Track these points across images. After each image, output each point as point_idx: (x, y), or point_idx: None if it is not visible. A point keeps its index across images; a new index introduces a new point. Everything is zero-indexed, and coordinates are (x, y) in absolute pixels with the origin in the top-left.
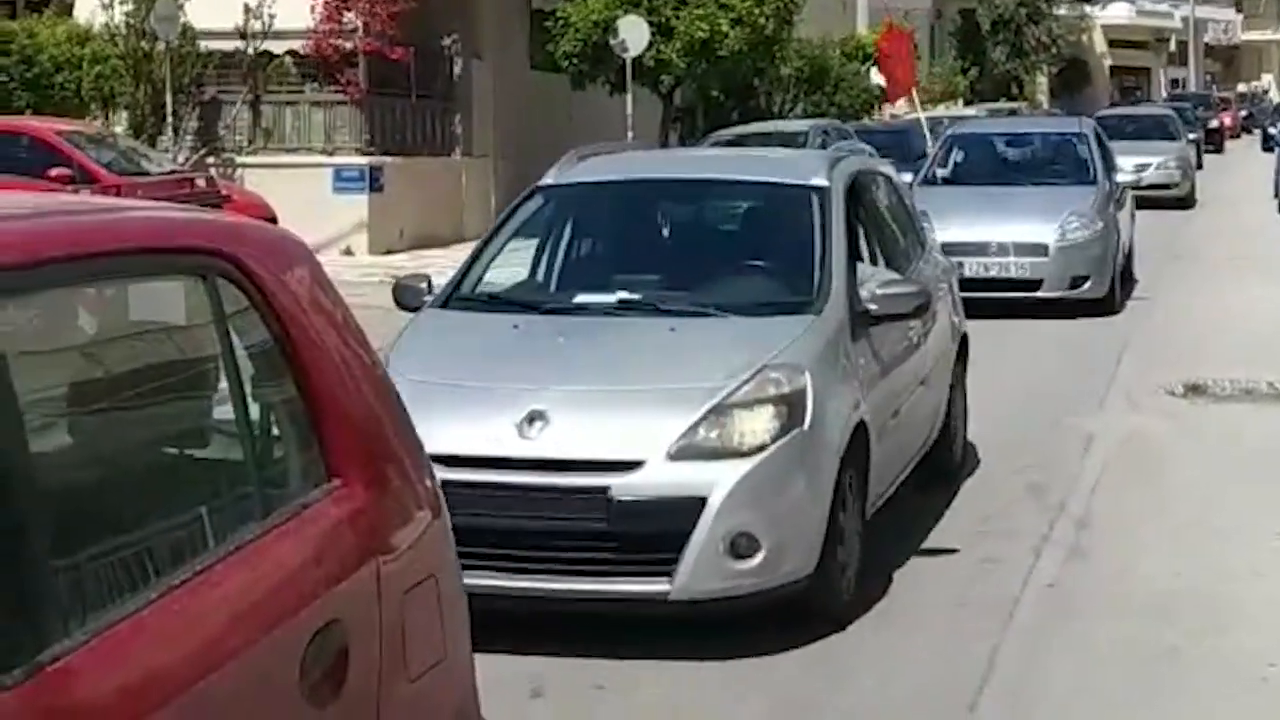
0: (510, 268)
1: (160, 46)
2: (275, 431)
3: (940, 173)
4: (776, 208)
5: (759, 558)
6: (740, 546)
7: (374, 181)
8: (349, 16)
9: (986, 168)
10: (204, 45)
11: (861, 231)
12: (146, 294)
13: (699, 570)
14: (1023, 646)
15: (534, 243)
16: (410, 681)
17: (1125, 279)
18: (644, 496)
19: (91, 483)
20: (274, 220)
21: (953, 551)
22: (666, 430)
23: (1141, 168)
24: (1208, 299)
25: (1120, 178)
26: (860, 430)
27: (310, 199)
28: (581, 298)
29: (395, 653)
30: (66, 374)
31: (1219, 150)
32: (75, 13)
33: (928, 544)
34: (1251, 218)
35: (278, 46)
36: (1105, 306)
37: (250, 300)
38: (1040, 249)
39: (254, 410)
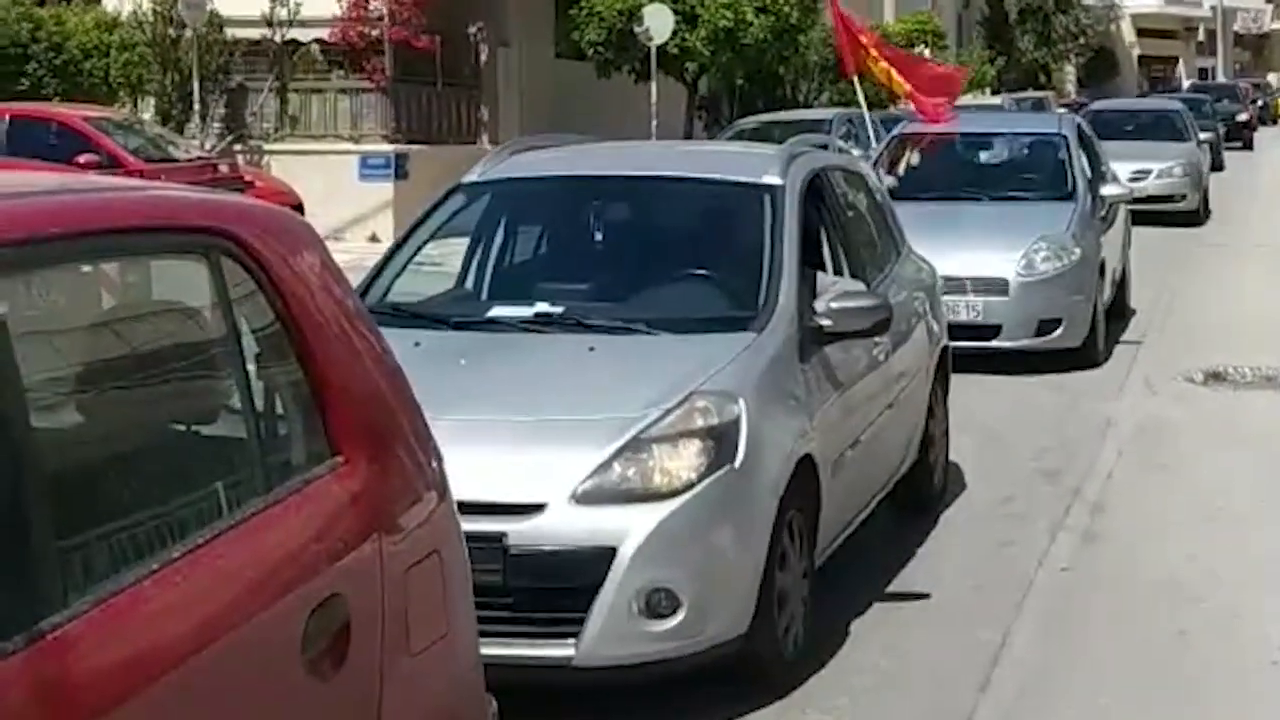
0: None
1: (188, 34)
2: (279, 409)
3: (886, 181)
4: (722, 209)
5: (679, 617)
6: (657, 605)
7: (399, 169)
8: (375, 4)
9: (942, 176)
10: (231, 33)
11: (824, 236)
12: (149, 272)
13: (608, 632)
14: (1035, 628)
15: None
16: (412, 656)
17: (1116, 316)
18: (544, 546)
19: (95, 458)
20: (300, 207)
21: (969, 536)
22: (572, 468)
23: (1139, 175)
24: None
25: (1109, 190)
26: (806, 466)
27: (336, 186)
28: (496, 310)
29: (397, 627)
30: (71, 351)
31: (1247, 147)
32: (103, 0)
33: (941, 527)
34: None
35: (304, 34)
36: (1083, 358)
37: (255, 280)
38: (997, 285)
39: (258, 388)
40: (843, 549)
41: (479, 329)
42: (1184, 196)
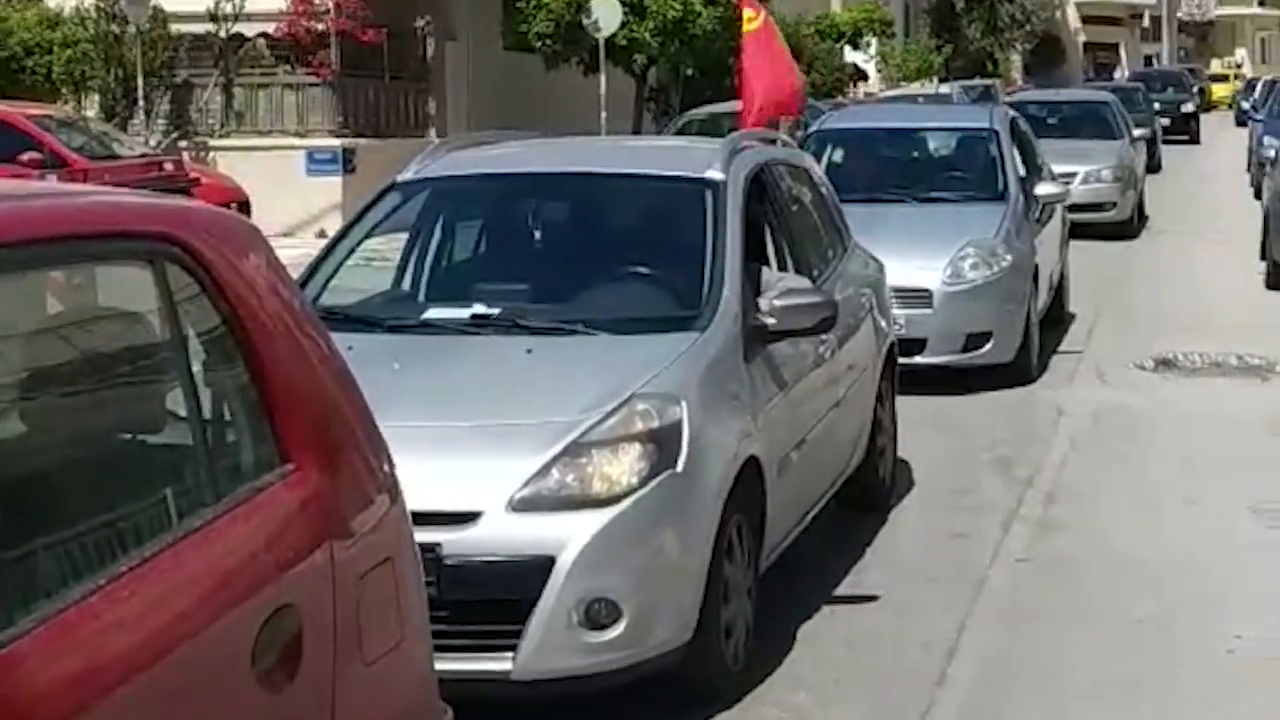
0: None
1: (131, 30)
2: (228, 416)
3: None
4: (664, 206)
5: (620, 627)
6: (597, 615)
7: (347, 163)
8: None
9: (864, 176)
10: (175, 28)
11: (768, 232)
12: (94, 278)
13: (547, 644)
14: (991, 621)
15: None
16: (366, 665)
17: (1052, 325)
18: (480, 556)
19: (40, 468)
20: (247, 203)
21: (921, 530)
22: (509, 475)
23: (1062, 180)
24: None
25: (1045, 189)
26: (751, 468)
27: (283, 181)
28: (431, 313)
29: (350, 637)
30: (15, 358)
31: (1193, 140)
32: None
33: (893, 523)
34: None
35: (249, 29)
36: (1015, 374)
37: (200, 285)
38: (921, 296)
39: (206, 395)
40: (791, 550)
41: (414, 332)
42: (1113, 205)
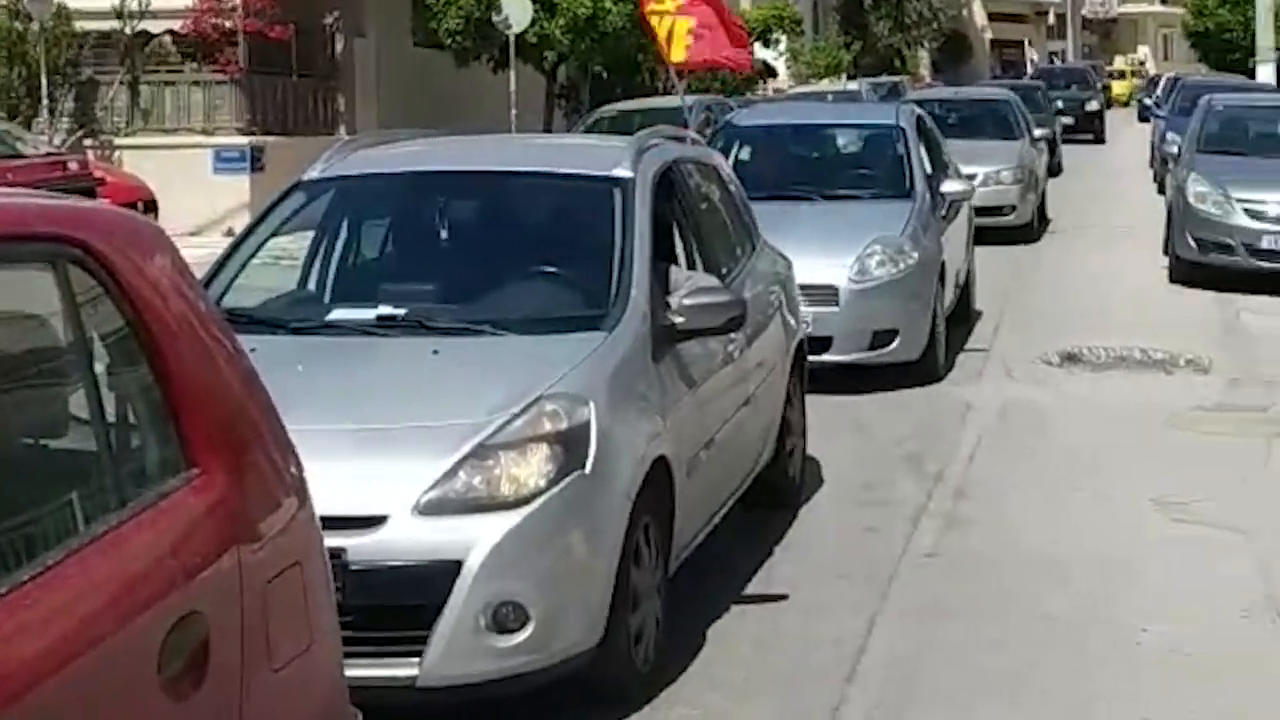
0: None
1: (34, 27)
2: (132, 420)
3: None
4: (572, 204)
5: (528, 631)
6: (504, 619)
7: (255, 162)
8: None
9: (770, 173)
10: (80, 25)
11: (677, 230)
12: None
13: (454, 649)
14: (901, 616)
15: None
16: (274, 671)
17: (959, 322)
18: (385, 561)
19: None
20: (153, 202)
21: (831, 526)
22: (415, 479)
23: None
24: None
25: (951, 186)
26: (660, 468)
27: (191, 180)
28: (336, 314)
29: (258, 642)
30: None
31: (1098, 140)
32: None
33: (803, 520)
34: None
35: (155, 26)
36: (922, 372)
37: (104, 287)
38: (827, 294)
39: (109, 399)
40: (701, 548)
41: (318, 333)
42: (1013, 208)
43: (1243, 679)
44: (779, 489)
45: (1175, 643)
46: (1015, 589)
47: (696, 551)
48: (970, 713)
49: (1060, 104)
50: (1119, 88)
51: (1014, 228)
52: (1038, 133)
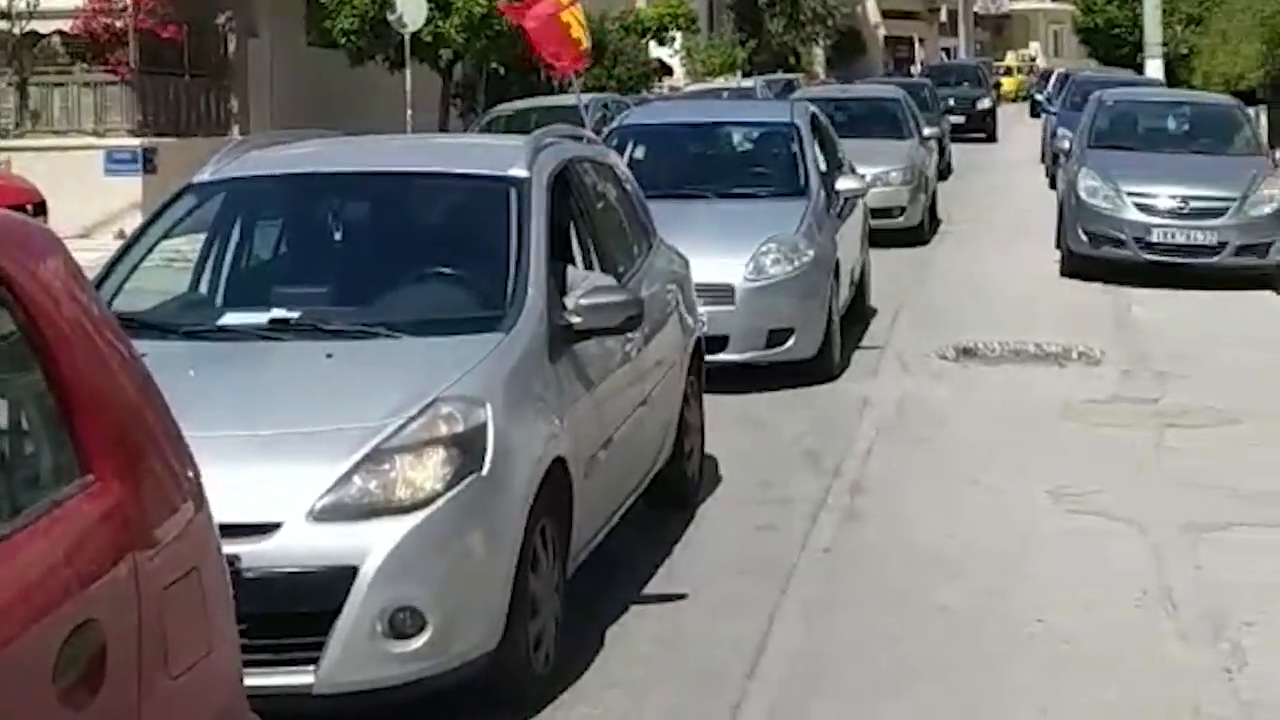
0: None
1: None
2: (25, 426)
3: None
4: (467, 204)
5: (425, 636)
6: (401, 624)
7: (147, 163)
8: None
9: (665, 173)
10: None
11: (573, 230)
12: None
13: (350, 656)
14: (800, 612)
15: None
16: (172, 679)
17: (855, 320)
18: (280, 568)
19: None
20: (43, 205)
21: (729, 524)
22: (309, 484)
23: None
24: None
25: (845, 184)
26: (558, 469)
27: (82, 182)
28: (228, 318)
29: (156, 650)
30: None
31: (990, 138)
32: None
33: (702, 519)
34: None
35: (44, 26)
36: (818, 371)
37: None
38: (723, 293)
39: (1, 406)
40: (601, 548)
41: (210, 338)
42: (902, 210)
43: (1135, 668)
44: (678, 488)
45: (1069, 634)
46: (911, 583)
47: (596, 551)
48: (869, 706)
49: (951, 102)
50: (1008, 84)
51: (903, 230)
52: (927, 131)
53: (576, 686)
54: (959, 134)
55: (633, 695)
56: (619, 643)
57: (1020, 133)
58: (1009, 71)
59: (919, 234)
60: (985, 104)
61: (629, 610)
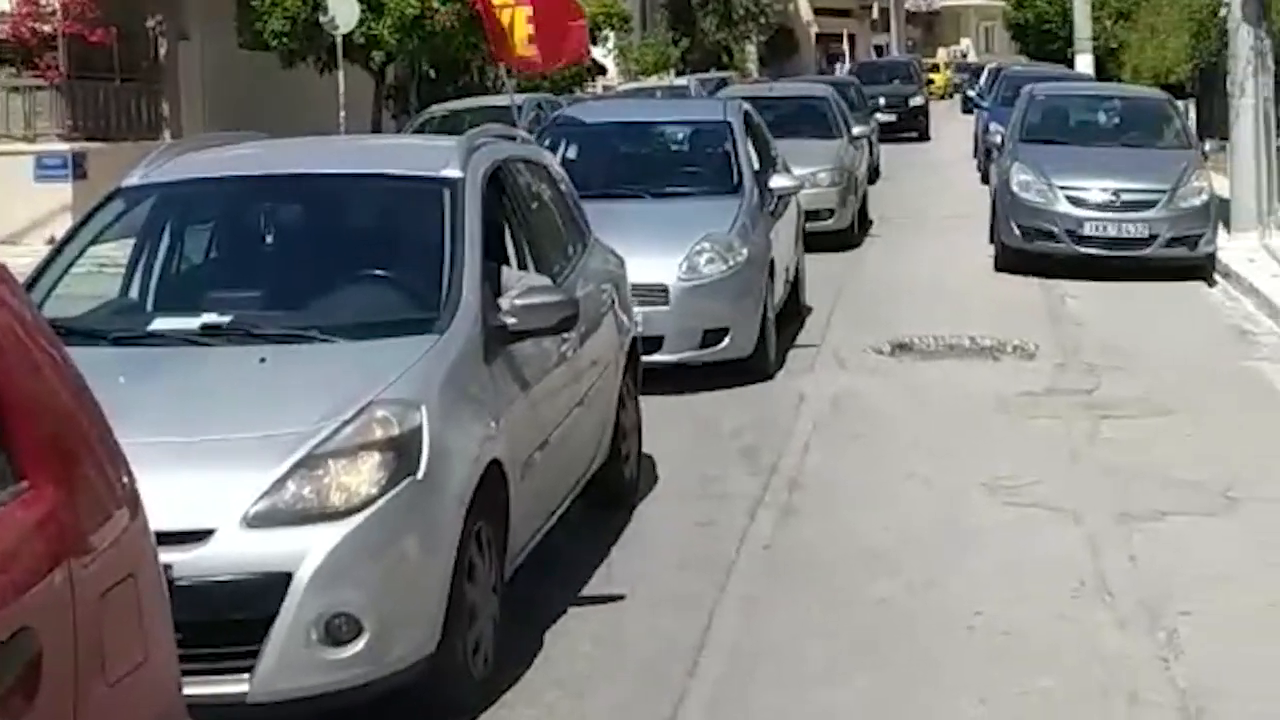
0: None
1: None
2: None
3: None
4: (400, 206)
5: (362, 642)
6: (337, 631)
7: (77, 168)
8: None
9: (599, 172)
10: None
11: (508, 230)
12: None
13: (285, 664)
14: (740, 608)
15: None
16: (109, 686)
17: (790, 318)
18: (213, 576)
19: None
20: None
21: (668, 522)
22: (243, 490)
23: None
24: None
25: (779, 181)
26: (494, 471)
27: (11, 188)
28: (158, 323)
29: (92, 657)
30: None
31: (923, 137)
32: None
33: (640, 517)
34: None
35: None
36: (753, 369)
37: None
38: (657, 293)
39: None
40: (539, 549)
41: (140, 344)
42: (831, 213)
43: (1073, 658)
44: (615, 487)
45: (1007, 625)
46: (849, 577)
47: (535, 552)
48: (808, 700)
49: (882, 100)
50: (937, 80)
51: (832, 233)
52: (857, 130)
53: (518, 687)
54: (891, 133)
55: (574, 694)
56: (559, 643)
57: (952, 129)
58: (936, 68)
59: (848, 237)
60: (917, 101)
61: (570, 610)
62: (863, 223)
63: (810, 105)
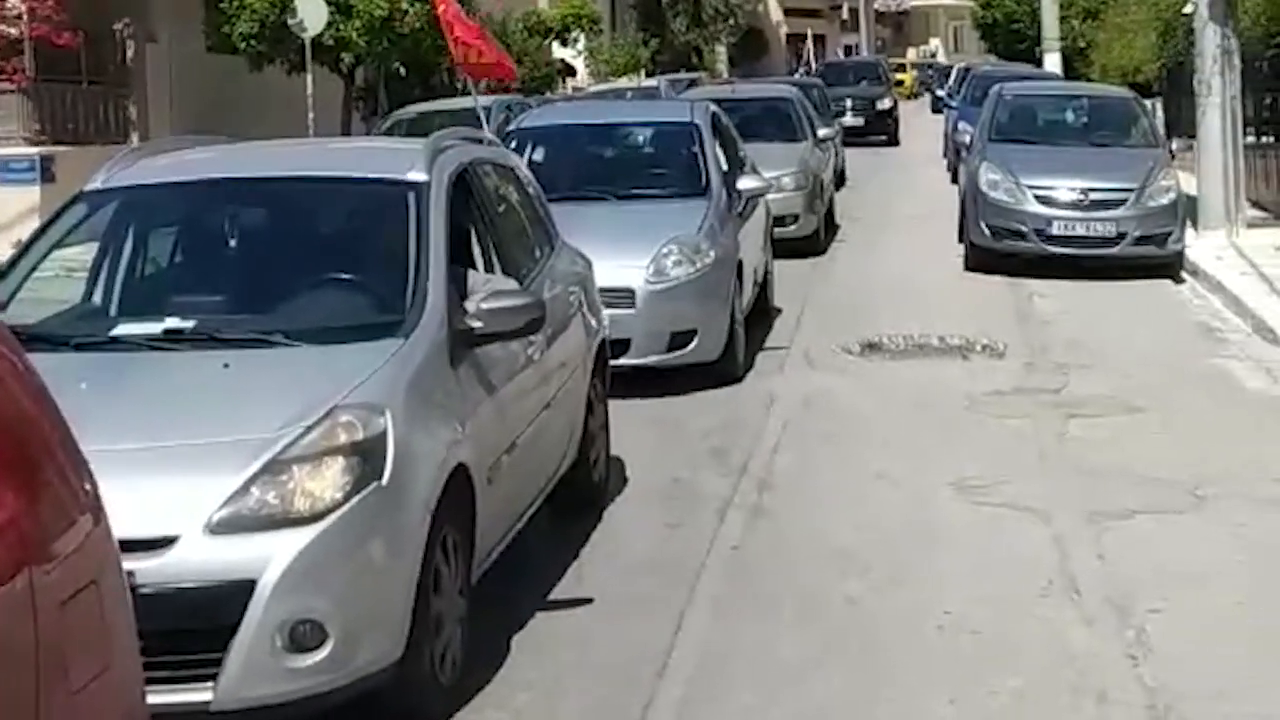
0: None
1: None
2: None
3: None
4: (365, 209)
5: (326, 649)
6: (302, 638)
7: (45, 172)
8: (13, 2)
9: (565, 175)
10: None
11: (474, 233)
12: None
13: (250, 671)
14: (709, 610)
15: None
16: (72, 694)
17: (759, 319)
18: (176, 583)
19: None
20: None
21: (637, 524)
22: (206, 496)
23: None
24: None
25: (747, 183)
26: (460, 476)
27: None
28: (121, 329)
29: (54, 665)
30: None
31: (891, 141)
32: None
33: (609, 519)
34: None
35: None
36: (721, 372)
37: None
38: (624, 296)
39: None
40: (508, 552)
41: (103, 349)
42: (796, 218)
43: (1041, 657)
44: (584, 490)
45: (975, 624)
46: (818, 577)
47: (504, 555)
48: (777, 701)
49: (849, 102)
50: (906, 80)
51: (797, 239)
52: (823, 133)
53: (487, 690)
54: (858, 137)
55: (543, 697)
56: (529, 646)
57: (921, 127)
58: (902, 68)
59: (814, 243)
60: (886, 104)
61: (540, 612)
62: (830, 228)
63: (774, 107)
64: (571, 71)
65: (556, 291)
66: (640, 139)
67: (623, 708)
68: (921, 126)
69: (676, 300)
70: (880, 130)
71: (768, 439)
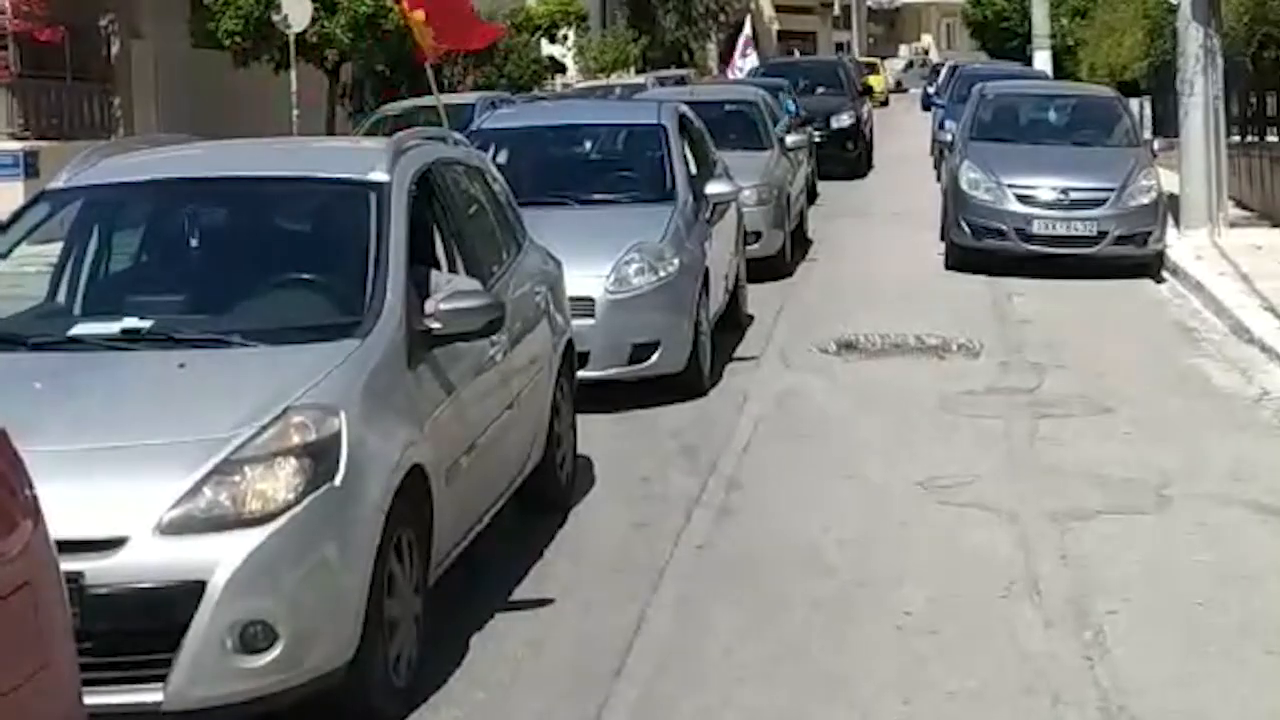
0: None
1: None
2: None
3: None
4: (326, 209)
5: (277, 650)
6: (252, 638)
7: (29, 167)
8: None
9: (526, 178)
10: None
11: (438, 233)
12: None
13: (200, 672)
14: (671, 609)
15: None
16: (2, 695)
17: (731, 328)
18: (125, 584)
19: None
20: None
21: (604, 522)
22: (157, 497)
23: None
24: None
25: (715, 188)
26: (416, 477)
27: None
28: (78, 328)
29: None
30: None
31: (856, 173)
32: None
33: (577, 517)
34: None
35: None
36: (685, 386)
37: None
38: (584, 306)
39: None
40: (471, 551)
41: (59, 349)
42: (758, 235)
43: (999, 658)
44: (550, 491)
45: (935, 624)
46: (782, 577)
47: (467, 554)
48: (734, 700)
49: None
50: (876, 84)
51: (760, 259)
52: (791, 140)
53: (443, 690)
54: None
55: (500, 696)
56: (488, 646)
57: (911, 125)
58: (873, 69)
59: (778, 265)
60: (844, 120)
61: (501, 611)
62: (801, 246)
63: (736, 112)
64: (560, 68)
65: (523, 291)
66: (605, 141)
67: (578, 707)
68: (912, 125)
69: (638, 310)
70: (837, 159)
71: (739, 438)
